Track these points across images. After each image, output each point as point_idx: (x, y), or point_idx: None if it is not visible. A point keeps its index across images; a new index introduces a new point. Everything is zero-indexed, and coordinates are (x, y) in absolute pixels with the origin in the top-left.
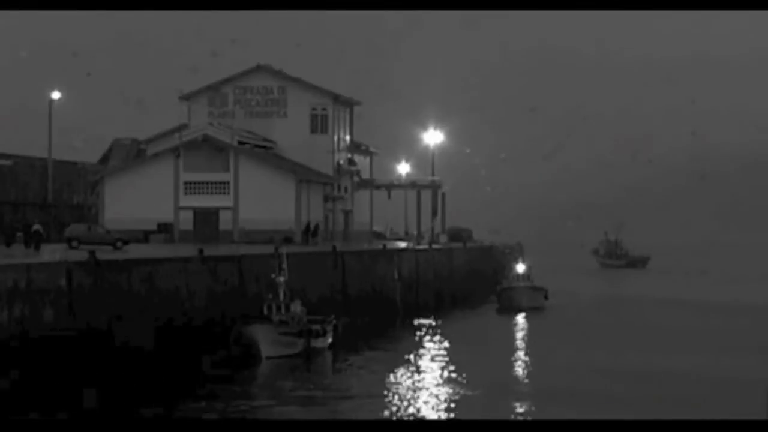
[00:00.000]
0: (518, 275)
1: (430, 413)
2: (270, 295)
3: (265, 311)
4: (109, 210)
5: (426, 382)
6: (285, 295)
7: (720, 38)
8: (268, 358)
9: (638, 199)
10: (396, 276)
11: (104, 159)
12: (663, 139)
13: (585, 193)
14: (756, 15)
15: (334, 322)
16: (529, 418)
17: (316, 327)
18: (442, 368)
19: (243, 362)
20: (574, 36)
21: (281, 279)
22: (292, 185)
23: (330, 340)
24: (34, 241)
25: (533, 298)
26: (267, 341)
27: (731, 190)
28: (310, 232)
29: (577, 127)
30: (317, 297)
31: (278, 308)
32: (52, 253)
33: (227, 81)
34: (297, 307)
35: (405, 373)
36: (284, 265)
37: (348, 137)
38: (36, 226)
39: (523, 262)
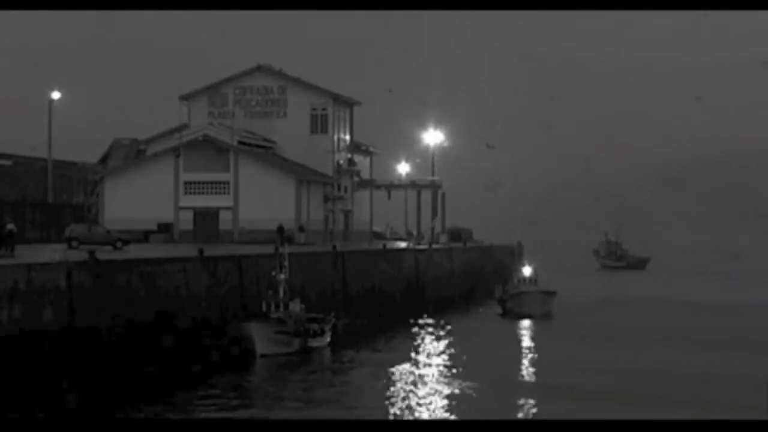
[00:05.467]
0: (525, 278)
1: (429, 413)
2: (270, 292)
3: (264, 308)
4: (109, 210)
5: (426, 382)
6: (285, 293)
7: (719, 40)
8: (263, 355)
9: (638, 200)
10: (396, 276)
11: (104, 159)
12: (661, 140)
13: (584, 194)
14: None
15: (333, 321)
16: (531, 417)
17: (314, 326)
18: (442, 368)
19: (239, 360)
20: (572, 37)
21: (282, 277)
22: (292, 185)
23: (329, 339)
24: (10, 242)
25: (544, 304)
26: (263, 339)
27: (732, 190)
28: (284, 235)
29: (577, 127)
30: (317, 296)
31: (277, 306)
32: (52, 253)
33: (227, 81)
34: (296, 305)
35: (404, 373)
36: (285, 263)
37: (348, 137)
38: (10, 226)
39: (529, 264)
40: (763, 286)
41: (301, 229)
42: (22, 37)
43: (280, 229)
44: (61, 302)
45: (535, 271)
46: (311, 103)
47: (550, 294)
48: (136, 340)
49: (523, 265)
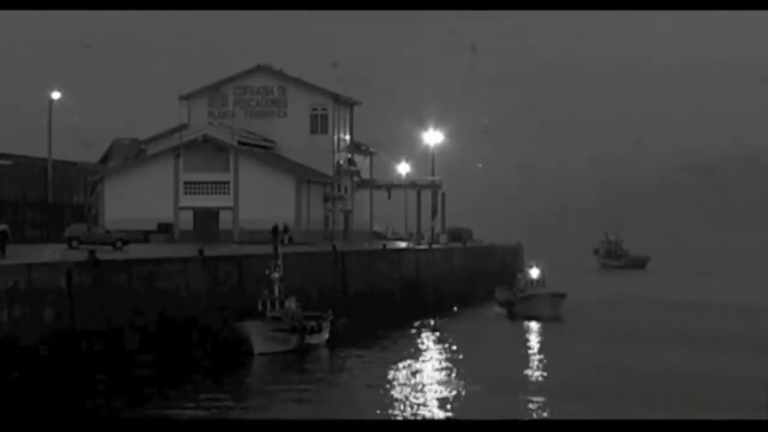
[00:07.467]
0: (533, 281)
1: (429, 413)
2: (266, 291)
3: (260, 307)
4: (109, 210)
5: (425, 382)
6: (280, 291)
7: (721, 40)
8: (260, 354)
9: (637, 200)
10: (396, 276)
11: (104, 159)
12: (660, 140)
13: (583, 193)
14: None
15: (331, 317)
16: (530, 417)
17: (311, 323)
18: (442, 367)
19: (236, 359)
20: (571, 39)
21: (276, 275)
22: (292, 185)
23: (327, 336)
24: (3, 242)
25: (554, 307)
26: (259, 337)
27: (731, 190)
28: (278, 235)
29: (575, 128)
30: (317, 296)
31: (273, 304)
32: (52, 253)
33: (227, 81)
34: (292, 303)
35: (404, 373)
36: (279, 262)
37: (348, 137)
38: (2, 227)
39: (537, 265)
40: (764, 286)
41: (285, 229)
42: (22, 37)
43: (275, 229)
44: (61, 302)
45: (542, 272)
46: (311, 103)
47: (560, 296)
48: (135, 340)
49: (530, 267)
